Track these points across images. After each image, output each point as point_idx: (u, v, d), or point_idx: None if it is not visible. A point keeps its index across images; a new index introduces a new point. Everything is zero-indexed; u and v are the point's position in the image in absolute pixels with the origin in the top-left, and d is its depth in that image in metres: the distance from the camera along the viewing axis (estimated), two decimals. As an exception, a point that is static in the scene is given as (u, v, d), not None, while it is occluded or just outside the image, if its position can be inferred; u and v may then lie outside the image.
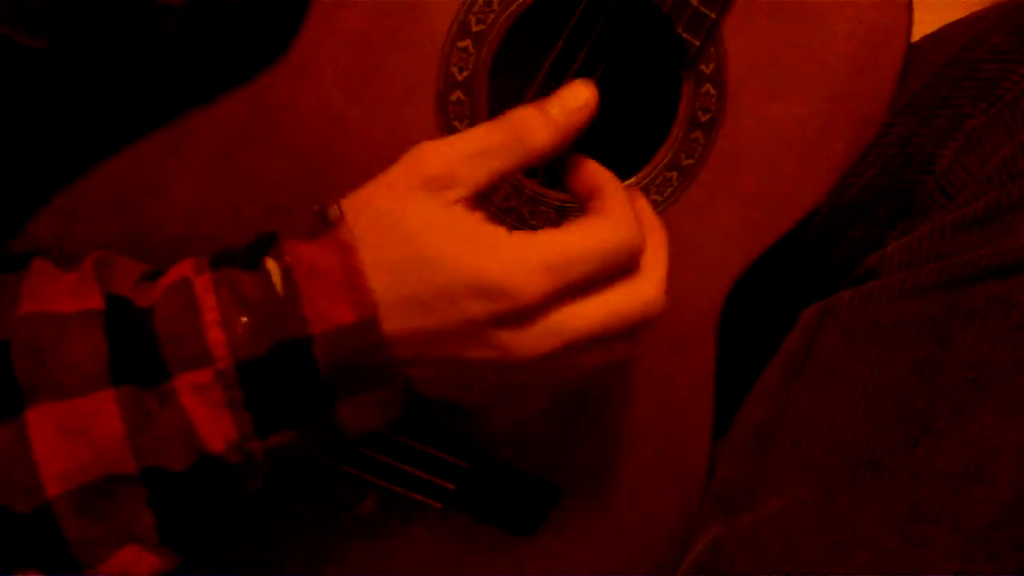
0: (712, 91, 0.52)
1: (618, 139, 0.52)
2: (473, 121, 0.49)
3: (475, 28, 0.48)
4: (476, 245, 0.42)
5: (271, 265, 0.43)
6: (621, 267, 0.45)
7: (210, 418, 0.42)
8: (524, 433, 0.56)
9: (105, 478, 0.42)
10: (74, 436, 0.42)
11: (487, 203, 0.50)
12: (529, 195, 0.51)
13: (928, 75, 0.53)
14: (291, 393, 0.43)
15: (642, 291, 0.46)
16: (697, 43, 0.50)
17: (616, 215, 0.44)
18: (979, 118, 0.50)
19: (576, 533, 0.59)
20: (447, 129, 0.49)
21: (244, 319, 0.42)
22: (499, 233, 0.43)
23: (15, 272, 0.45)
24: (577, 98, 0.45)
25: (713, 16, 0.49)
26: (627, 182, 0.51)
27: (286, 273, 0.42)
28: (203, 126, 0.47)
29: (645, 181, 0.52)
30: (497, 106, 0.49)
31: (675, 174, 0.53)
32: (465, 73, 0.48)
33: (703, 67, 0.51)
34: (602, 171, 0.47)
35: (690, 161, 0.53)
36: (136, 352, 0.42)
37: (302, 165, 0.48)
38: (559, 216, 0.52)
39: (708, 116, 0.52)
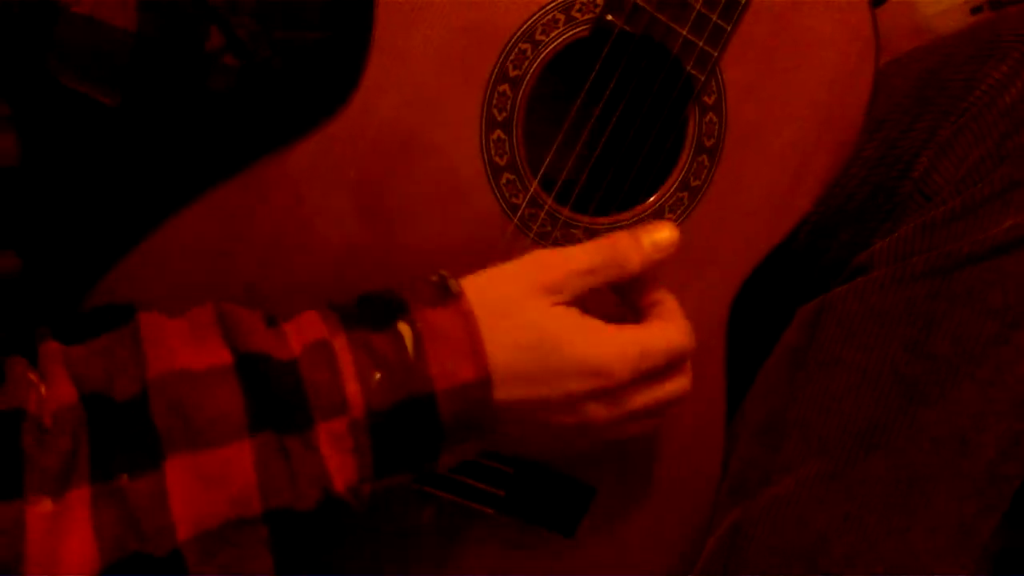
0: (715, 119, 0.58)
1: (637, 164, 0.58)
2: (512, 158, 0.54)
3: (512, 74, 0.53)
4: (584, 335, 0.51)
5: (403, 329, 0.48)
6: (678, 364, 0.55)
7: (338, 462, 0.47)
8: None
9: (232, 521, 0.46)
10: (209, 484, 0.46)
11: (527, 231, 0.56)
12: (563, 221, 0.56)
13: (899, 95, 0.61)
14: (411, 442, 0.48)
15: (684, 383, 0.55)
16: (702, 78, 0.56)
17: (680, 323, 0.54)
18: (949, 129, 0.58)
19: (608, 528, 0.64)
20: (490, 165, 0.54)
21: (378, 375, 0.47)
22: (598, 325, 0.52)
23: (118, 328, 0.48)
24: (666, 237, 0.54)
25: (715, 54, 0.56)
26: (647, 202, 0.58)
27: (417, 336, 0.48)
28: (274, 173, 0.52)
29: (661, 201, 0.58)
30: (531, 144, 0.55)
31: (686, 194, 0.59)
32: (504, 115, 0.54)
33: (706, 99, 0.57)
34: (664, 289, 0.56)
35: (698, 182, 0.59)
36: (280, 402, 0.46)
37: (364, 203, 0.53)
38: (587, 237, 0.57)
39: (712, 142, 0.59)
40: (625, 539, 0.65)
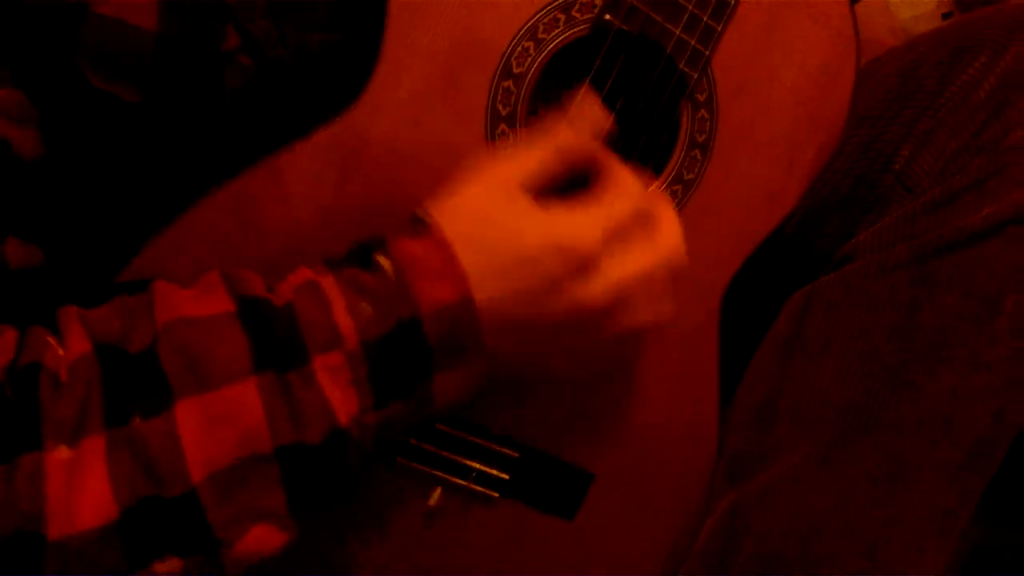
0: (706, 115, 0.61)
1: (634, 158, 0.60)
2: (515, 150, 0.57)
3: (516, 70, 0.56)
4: (543, 216, 0.52)
5: (383, 260, 0.50)
6: (643, 218, 0.54)
7: (339, 395, 0.49)
8: (557, 425, 0.64)
9: (244, 460, 0.48)
10: (218, 423, 0.47)
11: None
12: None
13: (879, 92, 0.64)
14: (404, 366, 0.50)
15: (665, 238, 0.55)
16: (695, 75, 0.59)
17: (628, 181, 0.54)
18: (927, 124, 0.61)
19: (606, 512, 0.66)
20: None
21: (367, 306, 0.49)
22: (557, 207, 0.52)
23: (137, 294, 0.50)
24: (593, 112, 0.56)
25: (706, 52, 0.59)
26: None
27: (396, 265, 0.50)
28: (292, 162, 0.54)
29: (656, 194, 0.61)
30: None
31: (680, 187, 0.62)
32: (508, 109, 0.56)
33: (698, 96, 0.60)
34: (608, 153, 0.56)
35: (691, 176, 0.62)
36: (279, 341, 0.48)
37: (377, 189, 0.55)
38: None
39: (704, 137, 0.61)
40: (623, 522, 0.67)
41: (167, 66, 0.54)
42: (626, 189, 0.54)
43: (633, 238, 0.53)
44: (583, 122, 0.57)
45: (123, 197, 0.57)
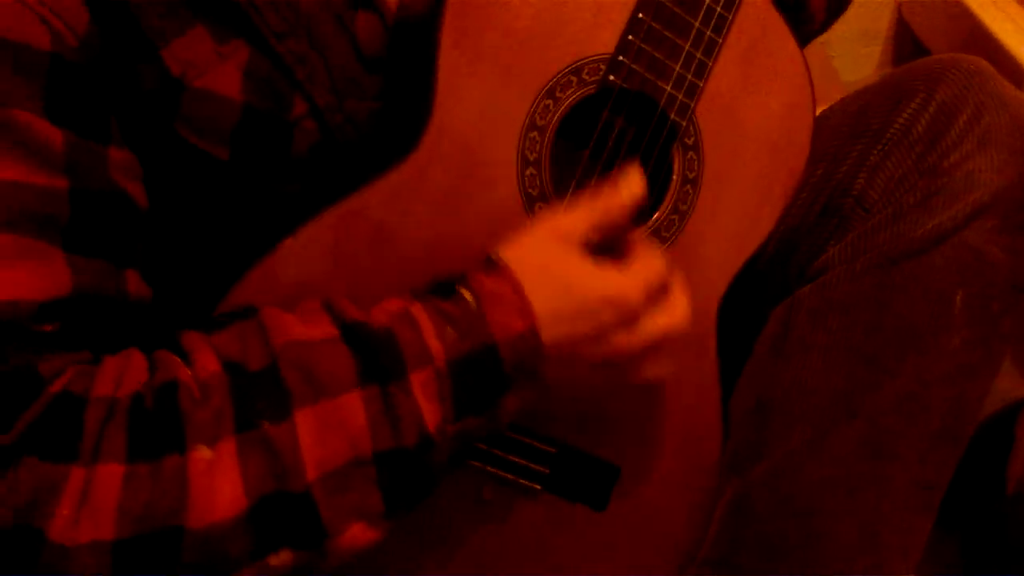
0: (695, 156, 0.73)
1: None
2: (542, 190, 0.68)
3: (539, 123, 0.67)
4: (601, 272, 0.63)
5: (465, 292, 0.60)
6: (665, 285, 0.66)
7: (428, 406, 0.58)
8: (585, 427, 0.74)
9: (349, 462, 0.56)
10: (330, 429, 0.56)
11: None
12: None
13: (834, 133, 0.77)
14: (481, 385, 0.59)
15: (679, 304, 0.67)
16: (684, 123, 0.71)
17: (654, 252, 0.66)
18: (877, 156, 0.74)
19: (629, 502, 0.76)
20: (525, 196, 0.68)
21: (450, 331, 0.59)
22: (608, 263, 0.64)
23: (246, 319, 0.60)
24: (636, 183, 0.66)
25: (692, 104, 0.71)
26: (648, 221, 0.72)
27: (476, 297, 0.60)
28: (355, 210, 0.64)
29: (657, 223, 0.72)
30: (557, 178, 0.69)
31: (676, 217, 0.73)
32: (534, 155, 0.68)
33: (687, 140, 0.72)
34: (636, 231, 0.69)
35: (685, 207, 0.73)
36: (382, 358, 0.58)
37: (429, 231, 0.66)
38: None
39: (694, 174, 0.73)
40: (643, 511, 0.76)
41: (249, 129, 0.65)
42: (654, 259, 0.65)
43: (659, 301, 0.65)
44: (628, 190, 0.66)
45: (215, 242, 0.67)
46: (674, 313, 0.66)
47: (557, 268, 0.62)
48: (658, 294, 0.65)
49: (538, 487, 0.72)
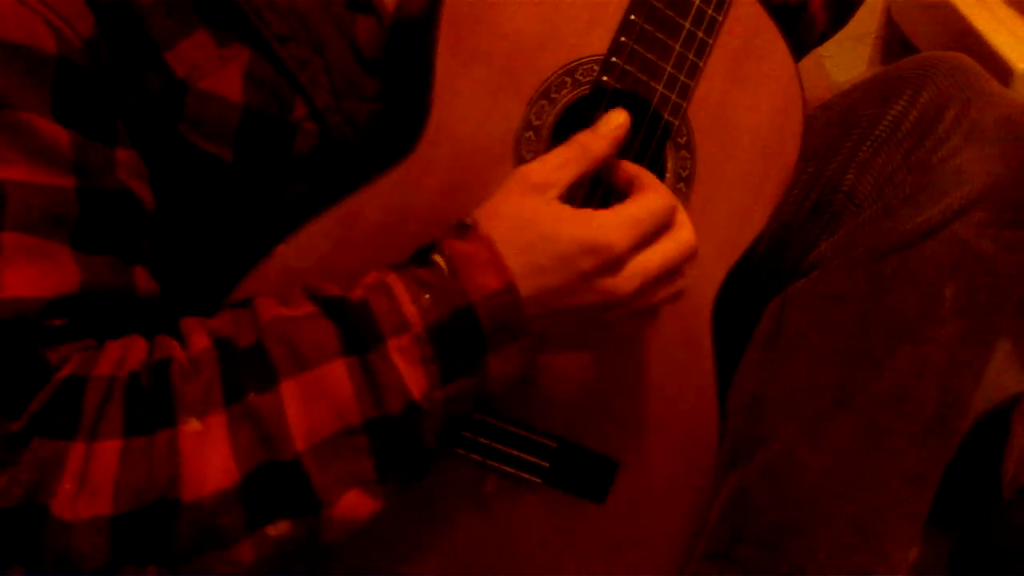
0: (687, 155, 0.74)
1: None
2: (538, 187, 0.69)
3: (535, 123, 0.69)
4: (578, 219, 0.63)
5: (438, 258, 0.61)
6: (667, 222, 0.66)
7: (411, 372, 0.59)
8: (584, 420, 0.75)
9: (338, 431, 0.58)
10: (315, 399, 0.58)
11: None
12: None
13: (824, 130, 0.79)
14: (463, 347, 0.60)
15: (682, 235, 0.67)
16: (676, 122, 0.72)
17: (658, 187, 0.66)
18: (866, 152, 0.76)
19: (628, 495, 0.77)
20: (522, 194, 0.69)
21: (426, 296, 0.60)
22: (590, 210, 0.64)
23: (240, 308, 0.62)
24: (616, 119, 0.67)
25: (684, 104, 0.72)
26: (643, 221, 0.73)
27: (450, 261, 0.61)
28: (354, 210, 0.66)
29: (652, 222, 0.73)
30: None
31: (671, 214, 0.74)
32: (531, 155, 0.69)
33: (680, 139, 0.74)
34: (635, 165, 0.69)
35: (679, 204, 0.75)
36: (359, 329, 0.59)
37: (428, 231, 0.67)
38: None
39: (687, 172, 0.75)
40: (642, 504, 0.78)
41: (252, 131, 0.66)
42: (649, 195, 0.65)
43: (657, 233, 0.64)
44: (607, 127, 0.67)
45: (219, 240, 0.68)
46: (678, 239, 0.65)
47: (530, 220, 0.62)
48: (651, 230, 0.64)
49: (538, 480, 0.73)
